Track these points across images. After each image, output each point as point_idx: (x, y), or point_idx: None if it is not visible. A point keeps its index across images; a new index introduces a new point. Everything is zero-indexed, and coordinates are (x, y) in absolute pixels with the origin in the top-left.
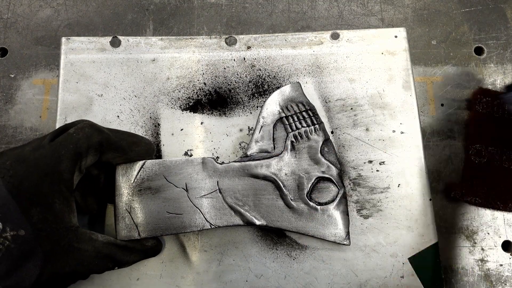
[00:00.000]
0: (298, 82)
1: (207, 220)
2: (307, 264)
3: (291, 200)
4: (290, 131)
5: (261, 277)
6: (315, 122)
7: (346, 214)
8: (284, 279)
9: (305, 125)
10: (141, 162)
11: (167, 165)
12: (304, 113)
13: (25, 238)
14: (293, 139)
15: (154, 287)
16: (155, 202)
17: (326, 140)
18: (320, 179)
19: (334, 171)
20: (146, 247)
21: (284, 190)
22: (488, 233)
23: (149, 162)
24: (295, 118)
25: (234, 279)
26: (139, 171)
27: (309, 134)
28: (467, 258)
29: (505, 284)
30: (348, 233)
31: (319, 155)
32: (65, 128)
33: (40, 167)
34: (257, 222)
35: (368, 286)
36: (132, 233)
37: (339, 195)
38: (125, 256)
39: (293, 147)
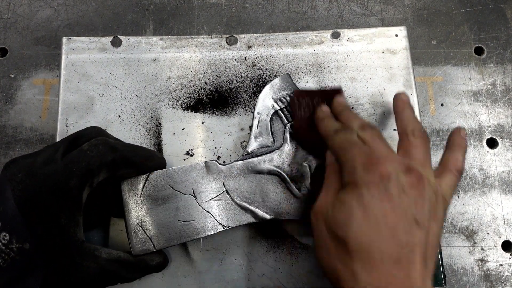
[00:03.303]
0: (287, 74)
1: (219, 223)
2: (309, 263)
3: (298, 190)
4: (287, 122)
5: (263, 276)
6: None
7: None
8: (286, 278)
9: None
10: (145, 176)
11: (171, 173)
12: None
13: (29, 251)
14: (291, 130)
15: (156, 287)
16: (165, 213)
17: None
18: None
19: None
20: (150, 265)
21: (290, 181)
22: (488, 233)
23: (153, 174)
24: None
25: (236, 278)
26: (144, 184)
27: None
28: (467, 258)
29: (505, 284)
30: None
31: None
32: (78, 135)
33: (49, 183)
34: (268, 217)
35: None
36: (147, 246)
37: None
38: (129, 273)
39: (292, 138)
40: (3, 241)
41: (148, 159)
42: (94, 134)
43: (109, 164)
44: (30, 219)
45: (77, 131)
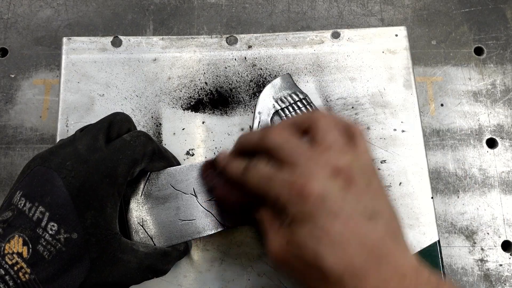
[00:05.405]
0: (288, 73)
1: (220, 222)
2: None
3: None
4: None
5: (263, 275)
6: (311, 110)
7: None
8: (286, 277)
9: None
10: (145, 175)
11: (172, 173)
12: (298, 102)
13: (77, 242)
14: None
15: (156, 286)
16: (166, 212)
17: None
18: None
19: None
20: (180, 252)
21: None
22: (488, 233)
23: (153, 174)
24: (291, 109)
25: (236, 277)
26: (145, 184)
27: None
28: (467, 258)
29: (505, 284)
30: None
31: None
32: (111, 123)
33: (100, 169)
34: None
35: None
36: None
37: None
38: (164, 265)
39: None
40: (50, 232)
41: (175, 158)
42: (125, 121)
43: (150, 154)
44: (80, 207)
45: (106, 118)
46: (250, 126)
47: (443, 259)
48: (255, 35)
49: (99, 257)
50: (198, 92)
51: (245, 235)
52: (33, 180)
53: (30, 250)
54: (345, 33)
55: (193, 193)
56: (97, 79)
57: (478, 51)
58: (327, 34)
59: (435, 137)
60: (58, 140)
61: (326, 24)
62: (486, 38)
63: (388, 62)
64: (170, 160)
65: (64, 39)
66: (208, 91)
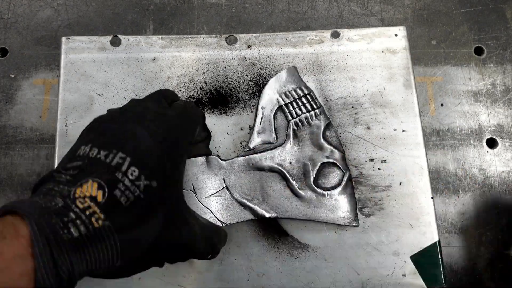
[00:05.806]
0: (294, 66)
1: (218, 219)
2: (309, 263)
3: (298, 188)
4: (291, 118)
5: (263, 276)
6: (315, 106)
7: (353, 196)
8: (286, 277)
9: (305, 111)
10: None
11: None
12: (303, 98)
13: (155, 190)
14: (294, 127)
15: (156, 287)
16: None
17: (328, 124)
18: (325, 165)
19: (337, 155)
20: (224, 236)
21: (291, 180)
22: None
23: None
24: (295, 104)
25: (236, 278)
26: None
27: (310, 120)
28: (467, 258)
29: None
30: (356, 215)
31: (322, 140)
32: (163, 97)
33: (176, 125)
34: (267, 215)
35: (370, 284)
36: None
37: (345, 179)
38: (216, 239)
39: (295, 135)
40: (130, 177)
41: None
42: (174, 95)
43: (202, 120)
44: (162, 156)
45: (156, 92)
46: (250, 125)
47: (443, 259)
48: (254, 34)
49: (171, 214)
50: (197, 91)
51: (245, 235)
52: (105, 134)
53: (106, 194)
54: (345, 33)
55: (192, 189)
56: (96, 79)
57: (478, 51)
58: (327, 34)
59: (435, 137)
60: (57, 141)
61: (326, 24)
62: (486, 38)
63: (388, 62)
64: (209, 131)
65: (63, 39)
66: (208, 91)
